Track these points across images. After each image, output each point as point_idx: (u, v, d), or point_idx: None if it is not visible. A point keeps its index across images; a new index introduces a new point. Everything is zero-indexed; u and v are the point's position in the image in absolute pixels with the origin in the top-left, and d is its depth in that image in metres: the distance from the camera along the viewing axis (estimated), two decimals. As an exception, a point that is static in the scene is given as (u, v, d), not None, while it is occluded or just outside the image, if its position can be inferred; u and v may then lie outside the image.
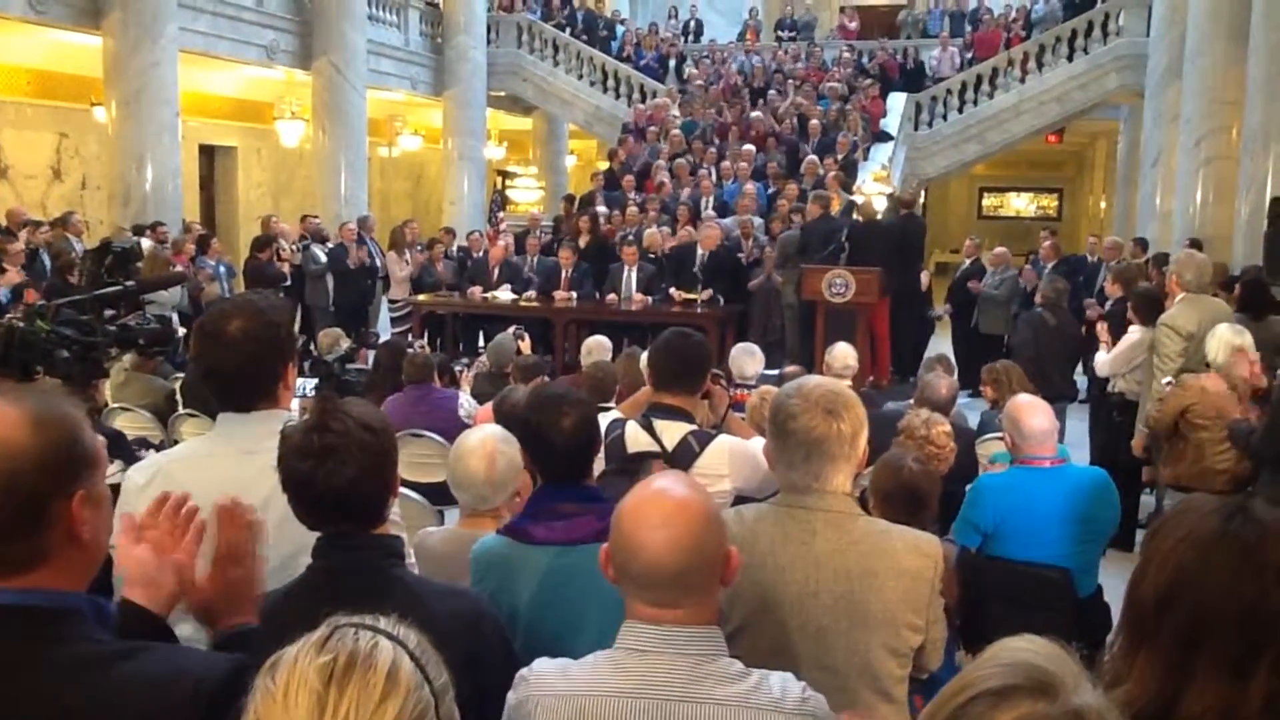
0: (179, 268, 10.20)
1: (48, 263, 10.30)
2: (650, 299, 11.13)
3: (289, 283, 12.16)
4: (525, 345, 7.77)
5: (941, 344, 11.20)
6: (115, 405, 6.15)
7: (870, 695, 2.18)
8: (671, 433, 3.21)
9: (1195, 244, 10.31)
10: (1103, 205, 24.62)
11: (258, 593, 1.72)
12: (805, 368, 7.57)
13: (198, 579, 1.68)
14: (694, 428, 3.25)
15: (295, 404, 6.09)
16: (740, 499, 3.04)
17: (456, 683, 1.93)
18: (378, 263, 12.74)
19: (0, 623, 1.36)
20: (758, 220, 12.28)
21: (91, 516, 1.42)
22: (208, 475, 2.19)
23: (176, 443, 5.98)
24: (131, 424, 5.94)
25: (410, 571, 2.09)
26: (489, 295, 11.74)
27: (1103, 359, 6.92)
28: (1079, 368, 9.00)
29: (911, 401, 5.34)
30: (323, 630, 1.19)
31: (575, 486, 2.54)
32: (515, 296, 11.71)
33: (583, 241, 12.22)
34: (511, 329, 7.98)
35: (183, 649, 1.52)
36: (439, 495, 4.39)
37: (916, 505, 3.35)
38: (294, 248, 12.55)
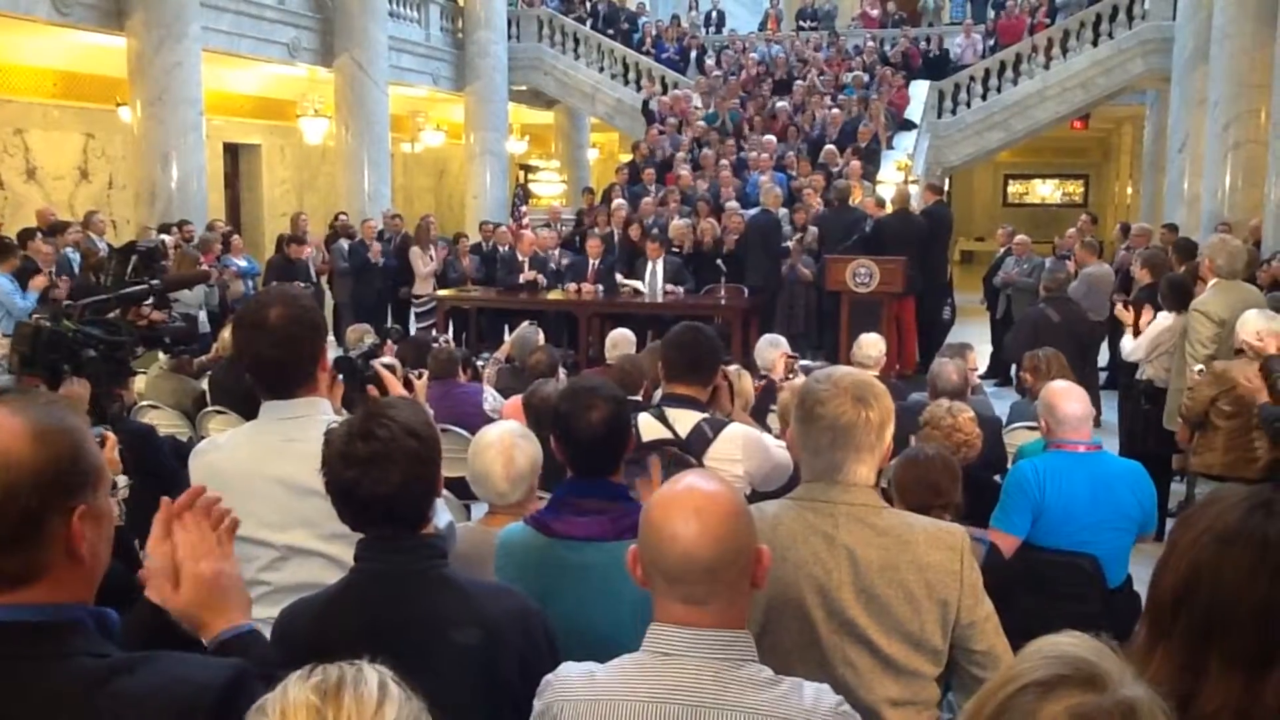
0: (206, 266, 10.24)
1: (75, 262, 10.35)
2: (678, 291, 11.11)
3: (315, 280, 12.21)
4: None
5: (970, 334, 11.11)
6: (145, 403, 6.22)
7: (895, 689, 2.15)
8: (684, 421, 3.22)
9: (1227, 228, 10.21)
10: (1129, 191, 24.39)
11: (241, 590, 1.63)
12: (829, 359, 7.54)
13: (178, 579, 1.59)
14: (706, 415, 3.27)
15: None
16: (751, 496, 3.03)
17: (512, 680, 1.92)
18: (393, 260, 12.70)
19: None
20: (783, 210, 12.22)
21: (91, 532, 1.38)
22: (251, 462, 2.22)
23: (205, 438, 6.08)
24: (160, 420, 6.01)
25: (457, 571, 2.06)
26: (524, 279, 11.78)
27: (1129, 344, 6.85)
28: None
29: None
30: (305, 668, 1.20)
31: (601, 482, 2.51)
32: (544, 283, 11.77)
33: (604, 231, 12.22)
34: (525, 323, 7.97)
35: (183, 657, 1.45)
36: (465, 489, 4.40)
37: (936, 498, 3.37)
38: (318, 246, 12.59)
